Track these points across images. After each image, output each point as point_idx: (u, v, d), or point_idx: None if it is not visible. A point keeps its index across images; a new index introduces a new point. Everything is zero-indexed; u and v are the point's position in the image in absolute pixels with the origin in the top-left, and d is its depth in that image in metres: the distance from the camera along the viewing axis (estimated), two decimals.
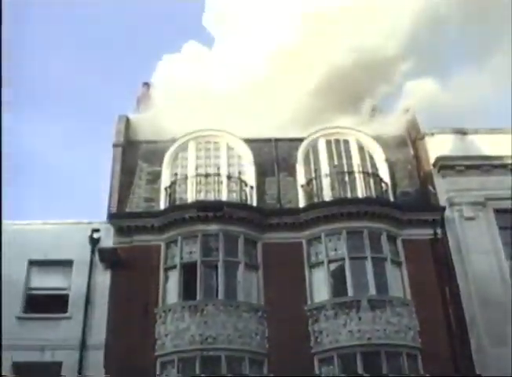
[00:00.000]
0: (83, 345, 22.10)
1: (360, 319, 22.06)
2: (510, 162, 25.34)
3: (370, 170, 25.82)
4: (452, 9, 33.15)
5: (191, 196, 24.88)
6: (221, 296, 22.49)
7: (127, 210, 25.09)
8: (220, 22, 35.24)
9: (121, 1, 61.12)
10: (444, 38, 34.72)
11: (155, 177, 26.00)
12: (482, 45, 34.51)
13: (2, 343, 20.06)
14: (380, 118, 28.99)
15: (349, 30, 31.59)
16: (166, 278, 23.35)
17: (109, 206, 24.75)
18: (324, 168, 25.85)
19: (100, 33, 61.65)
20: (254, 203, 25.09)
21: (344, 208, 23.93)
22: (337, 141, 26.74)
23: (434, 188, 25.32)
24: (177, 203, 24.81)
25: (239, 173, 25.67)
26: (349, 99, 30.83)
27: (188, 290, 22.81)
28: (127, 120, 27.77)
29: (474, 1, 32.95)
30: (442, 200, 24.99)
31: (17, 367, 21.48)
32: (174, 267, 23.36)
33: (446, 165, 25.56)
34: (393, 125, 28.16)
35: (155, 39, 59.25)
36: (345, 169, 25.82)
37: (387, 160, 26.12)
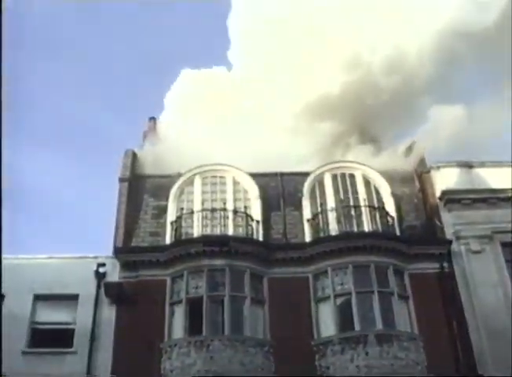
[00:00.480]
0: None
1: (367, 354, 21.86)
2: None
3: (376, 204, 25.81)
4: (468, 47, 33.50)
5: (197, 231, 24.84)
6: (227, 331, 22.34)
7: (133, 244, 25.10)
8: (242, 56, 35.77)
9: (129, 37, 62.04)
10: (462, 74, 35.00)
11: (161, 211, 26.01)
12: (498, 80, 34.81)
13: None
14: (388, 152, 29.03)
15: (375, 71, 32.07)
16: (172, 313, 23.25)
17: (115, 241, 24.78)
18: (330, 202, 25.84)
19: (106, 68, 62.31)
20: (260, 238, 25.06)
21: (350, 242, 23.87)
22: (343, 175, 26.74)
23: (441, 221, 25.27)
24: (183, 237, 24.79)
25: (245, 207, 25.69)
26: (369, 129, 31.20)
27: (193, 325, 22.68)
28: (134, 155, 27.86)
29: (488, 39, 33.25)
30: (448, 234, 24.96)
31: None
32: (180, 302, 23.25)
33: (452, 198, 25.53)
34: (399, 158, 28.20)
35: (162, 75, 59.73)
36: (352, 203, 25.80)
37: (393, 194, 26.11)
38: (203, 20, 59.94)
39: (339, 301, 23.36)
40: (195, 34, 63.88)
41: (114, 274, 24.04)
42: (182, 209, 25.62)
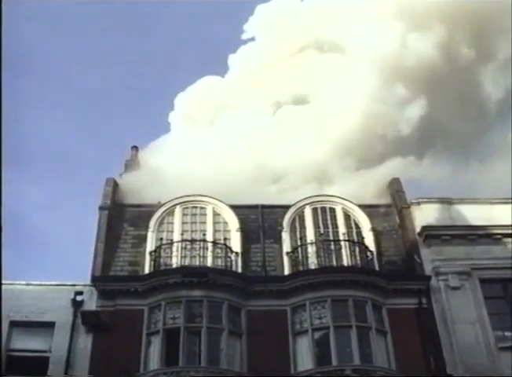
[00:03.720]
0: None
1: None
2: (495, 231, 25.51)
3: (356, 239, 25.84)
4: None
5: (176, 261, 24.70)
6: (203, 363, 22.12)
7: (111, 273, 24.97)
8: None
9: (111, 62, 62.01)
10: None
11: (141, 241, 25.91)
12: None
13: None
14: (367, 188, 29.12)
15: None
16: (149, 343, 23.01)
17: (93, 269, 24.60)
18: (310, 236, 25.86)
19: (87, 94, 62.17)
20: (239, 270, 24.97)
21: (329, 276, 23.83)
22: (323, 209, 26.78)
23: (420, 257, 25.29)
24: (162, 267, 24.65)
25: (225, 239, 25.67)
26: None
27: (170, 356, 22.43)
28: (114, 183, 27.84)
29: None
30: (427, 269, 24.98)
31: None
32: (157, 332, 23.04)
33: (432, 234, 25.62)
34: (379, 194, 28.34)
35: (146, 102, 59.77)
36: (331, 237, 25.84)
37: (373, 229, 26.22)
38: None
39: (317, 335, 23.20)
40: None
41: (91, 302, 23.83)
42: (162, 239, 25.53)
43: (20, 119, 56.36)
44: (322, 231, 26.07)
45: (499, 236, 25.52)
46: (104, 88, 64.16)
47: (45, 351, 22.97)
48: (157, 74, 63.06)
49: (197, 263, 24.74)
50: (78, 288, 24.09)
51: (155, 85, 63.04)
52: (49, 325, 23.28)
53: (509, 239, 25.49)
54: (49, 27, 58.70)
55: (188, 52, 62.64)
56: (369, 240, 25.82)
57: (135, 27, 59.85)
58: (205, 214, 26.53)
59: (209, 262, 24.75)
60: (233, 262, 25.05)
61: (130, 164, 30.29)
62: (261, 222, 26.95)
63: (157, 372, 22.06)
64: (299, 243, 25.78)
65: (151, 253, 25.19)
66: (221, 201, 26.72)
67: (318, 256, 25.09)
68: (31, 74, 60.53)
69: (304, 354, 22.98)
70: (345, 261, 24.99)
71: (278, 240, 26.12)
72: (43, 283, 24.48)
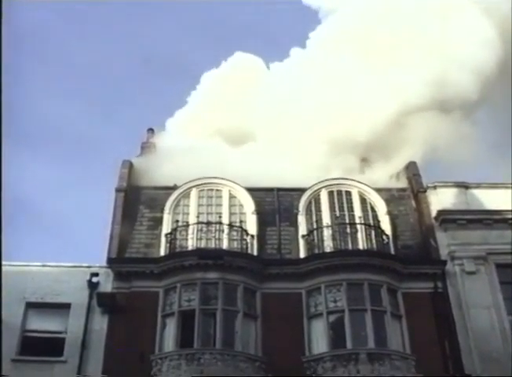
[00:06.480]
0: None
1: (358, 371, 21.65)
2: (511, 216, 25.33)
3: (371, 222, 25.72)
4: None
5: (191, 244, 24.73)
6: (218, 345, 22.21)
7: (127, 255, 25.08)
8: None
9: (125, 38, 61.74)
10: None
11: (156, 223, 25.96)
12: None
13: None
14: (383, 171, 29.03)
15: None
16: (164, 325, 23.13)
17: (109, 251, 24.69)
18: (326, 219, 25.77)
19: (101, 76, 62.04)
20: (255, 253, 24.97)
21: (345, 260, 23.84)
22: (339, 193, 26.68)
23: (436, 241, 25.22)
24: (178, 250, 24.68)
25: (241, 222, 25.62)
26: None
27: (185, 338, 22.55)
28: (130, 165, 27.88)
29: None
30: (443, 254, 24.91)
31: None
32: (172, 314, 23.15)
33: (448, 218, 25.50)
34: (395, 177, 28.27)
35: (161, 85, 59.52)
36: (347, 220, 25.74)
37: (389, 213, 26.10)
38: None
39: (332, 318, 23.25)
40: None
41: (107, 284, 23.98)
42: (177, 221, 25.57)
43: (35, 102, 56.57)
44: (338, 214, 25.98)
45: None
46: (121, 69, 64.11)
47: (60, 332, 23.19)
48: (176, 52, 62.73)
49: (213, 245, 24.76)
50: (93, 270, 24.22)
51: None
52: (65, 306, 23.43)
53: None
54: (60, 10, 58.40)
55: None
56: (385, 224, 25.69)
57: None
58: (221, 197, 26.52)
59: (224, 245, 24.77)
60: (249, 245, 25.04)
61: (146, 146, 30.34)
62: (276, 205, 26.92)
63: (172, 354, 22.15)
64: (315, 226, 25.67)
65: (166, 235, 25.21)
66: (237, 183, 26.67)
67: (334, 239, 25.02)
68: (46, 57, 60.37)
69: (318, 337, 23.01)
70: (361, 244, 24.92)
71: (294, 223, 26.09)
72: (59, 264, 24.61)
